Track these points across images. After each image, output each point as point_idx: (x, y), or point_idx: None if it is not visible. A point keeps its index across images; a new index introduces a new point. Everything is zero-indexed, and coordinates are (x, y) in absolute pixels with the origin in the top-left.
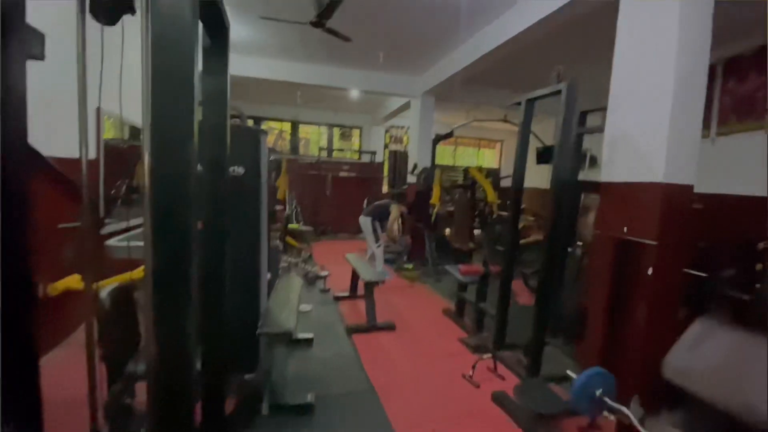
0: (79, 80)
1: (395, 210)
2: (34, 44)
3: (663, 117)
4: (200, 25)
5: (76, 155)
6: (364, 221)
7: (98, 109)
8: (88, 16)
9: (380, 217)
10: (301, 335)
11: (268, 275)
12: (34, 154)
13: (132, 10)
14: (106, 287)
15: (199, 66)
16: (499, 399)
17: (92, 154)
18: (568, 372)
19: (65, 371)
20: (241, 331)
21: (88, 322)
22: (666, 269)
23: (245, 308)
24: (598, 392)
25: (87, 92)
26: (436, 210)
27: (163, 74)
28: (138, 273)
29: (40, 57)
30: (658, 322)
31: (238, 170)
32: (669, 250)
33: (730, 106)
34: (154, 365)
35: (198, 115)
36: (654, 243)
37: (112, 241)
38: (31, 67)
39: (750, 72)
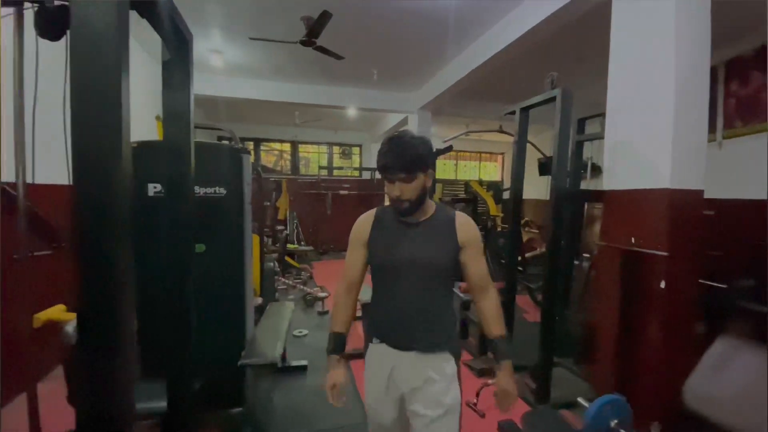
0: (15, 100)
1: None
2: None
3: (666, 121)
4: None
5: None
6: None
7: None
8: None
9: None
10: (294, 362)
11: (259, 300)
12: None
13: None
14: (74, 319)
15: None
16: (505, 430)
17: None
18: (579, 399)
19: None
20: (225, 362)
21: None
22: (680, 281)
23: (229, 338)
24: (613, 423)
25: (24, 111)
26: None
27: (83, 87)
28: None
29: None
30: (675, 340)
31: (219, 191)
32: (682, 260)
33: (735, 109)
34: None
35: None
36: (665, 254)
37: None
38: None
39: (752, 73)
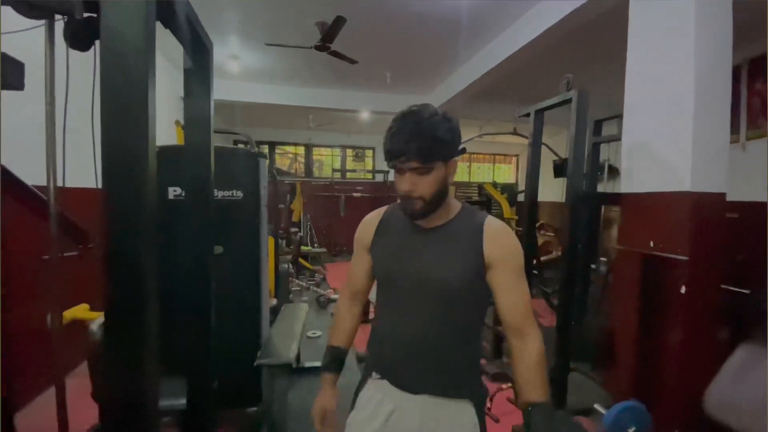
0: (47, 108)
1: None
2: (12, 74)
3: (686, 121)
4: (182, 46)
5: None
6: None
7: None
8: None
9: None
10: (309, 364)
11: (274, 301)
12: (14, 180)
13: None
14: (98, 318)
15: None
16: None
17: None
18: (596, 406)
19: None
20: (242, 362)
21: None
22: (701, 286)
23: (245, 338)
24: (631, 430)
25: (56, 120)
26: None
27: (112, 95)
28: None
29: (19, 87)
30: (696, 346)
31: (237, 194)
32: (703, 265)
33: (759, 109)
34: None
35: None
36: (685, 258)
37: None
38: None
39: None
